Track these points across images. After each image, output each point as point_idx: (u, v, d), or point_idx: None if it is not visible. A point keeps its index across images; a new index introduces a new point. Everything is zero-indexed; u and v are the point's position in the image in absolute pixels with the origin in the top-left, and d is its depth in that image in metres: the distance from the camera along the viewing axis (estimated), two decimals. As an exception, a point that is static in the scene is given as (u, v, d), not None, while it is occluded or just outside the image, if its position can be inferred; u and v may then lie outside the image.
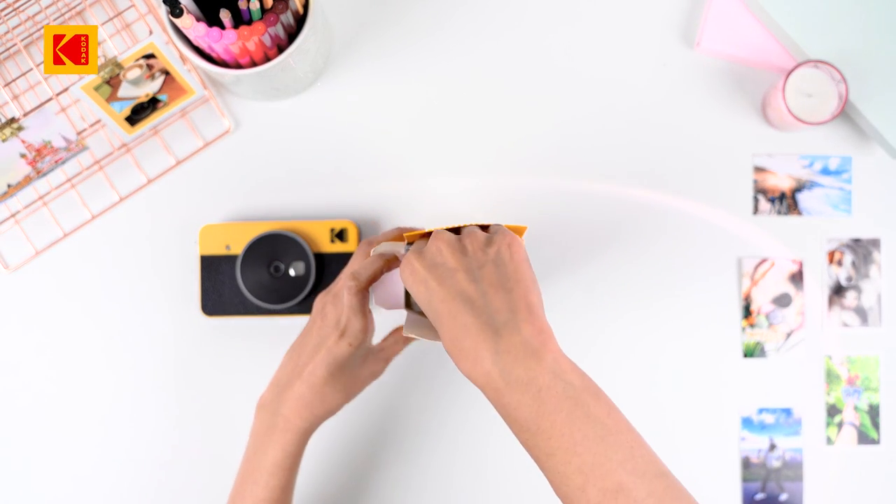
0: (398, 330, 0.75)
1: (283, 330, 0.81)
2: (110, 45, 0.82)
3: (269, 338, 0.82)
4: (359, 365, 0.70)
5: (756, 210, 0.84)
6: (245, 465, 0.70)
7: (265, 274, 0.79)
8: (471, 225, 0.61)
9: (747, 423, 0.82)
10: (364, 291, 0.67)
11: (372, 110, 0.84)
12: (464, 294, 0.54)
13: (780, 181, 0.84)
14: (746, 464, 0.82)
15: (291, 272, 0.79)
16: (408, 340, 0.74)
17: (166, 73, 0.76)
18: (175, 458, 0.82)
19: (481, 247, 0.57)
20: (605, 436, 0.51)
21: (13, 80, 0.82)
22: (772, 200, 0.84)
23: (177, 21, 0.68)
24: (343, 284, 0.67)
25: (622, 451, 0.51)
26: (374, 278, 0.67)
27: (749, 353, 0.83)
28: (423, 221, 0.83)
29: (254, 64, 0.74)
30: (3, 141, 0.74)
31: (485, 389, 0.54)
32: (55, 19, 0.82)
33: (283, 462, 0.68)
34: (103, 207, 0.83)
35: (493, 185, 0.83)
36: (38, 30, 0.82)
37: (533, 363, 0.52)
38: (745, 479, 0.82)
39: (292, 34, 0.75)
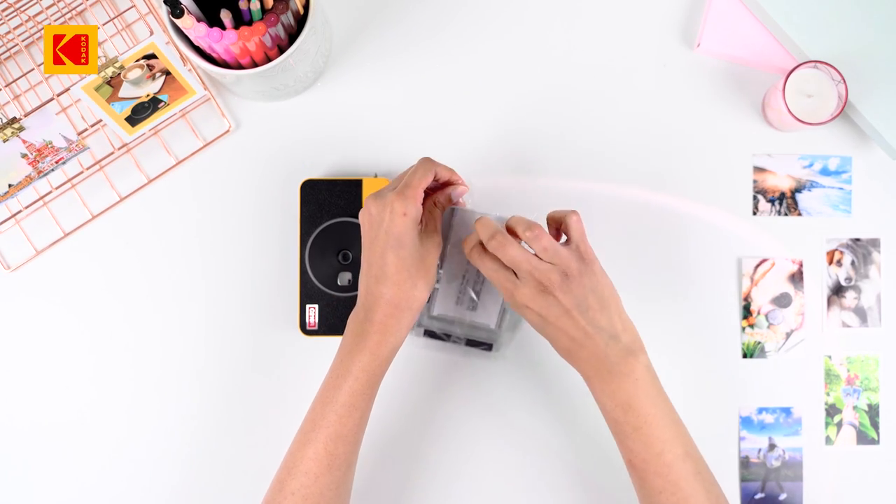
0: (427, 200, 0.75)
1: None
2: (111, 45, 0.83)
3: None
4: (420, 244, 0.71)
5: (756, 210, 0.84)
6: (331, 375, 0.71)
7: (334, 261, 0.80)
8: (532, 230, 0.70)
9: (747, 422, 0.83)
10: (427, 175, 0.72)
11: (372, 110, 0.84)
12: (577, 325, 0.68)
13: (780, 181, 0.84)
14: (746, 463, 0.82)
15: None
16: (437, 203, 0.75)
17: (167, 73, 0.76)
18: (178, 458, 0.83)
19: (578, 277, 0.68)
20: (674, 418, 0.70)
21: (14, 81, 0.82)
22: (771, 200, 0.84)
23: (177, 21, 0.69)
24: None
25: (684, 431, 0.70)
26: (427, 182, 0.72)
27: (749, 352, 0.83)
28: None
29: (254, 64, 0.74)
30: (4, 141, 0.74)
31: (591, 380, 0.70)
32: (56, 19, 0.82)
33: (369, 365, 0.70)
34: (103, 207, 0.83)
35: (494, 186, 0.83)
36: (40, 30, 0.82)
37: (632, 360, 0.68)
38: (744, 479, 0.82)
39: (293, 34, 0.75)
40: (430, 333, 0.80)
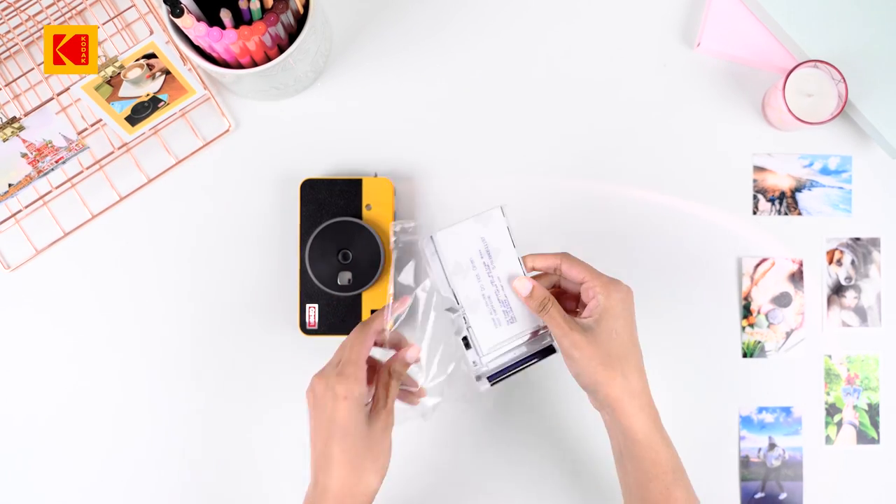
0: (380, 371, 0.69)
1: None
2: (111, 44, 0.83)
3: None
4: (368, 428, 0.65)
5: (756, 209, 0.84)
6: None
7: (334, 261, 0.80)
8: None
9: (747, 422, 0.83)
10: (367, 334, 0.67)
11: (372, 110, 0.84)
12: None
13: (780, 181, 0.84)
14: (746, 463, 0.82)
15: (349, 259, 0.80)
16: (393, 372, 0.69)
17: (167, 72, 0.76)
18: (178, 457, 0.83)
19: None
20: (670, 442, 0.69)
21: (14, 80, 0.82)
22: (771, 200, 0.84)
23: (177, 21, 0.69)
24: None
25: (675, 451, 0.70)
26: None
27: (749, 352, 0.83)
28: (421, 220, 0.83)
29: (254, 63, 0.74)
30: (4, 141, 0.74)
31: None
32: (56, 19, 0.82)
33: None
34: (103, 207, 0.83)
35: (493, 185, 0.83)
36: (40, 30, 0.82)
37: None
38: (744, 479, 0.82)
39: (293, 34, 0.75)
40: (495, 377, 0.71)
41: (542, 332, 0.70)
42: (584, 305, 0.69)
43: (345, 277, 0.80)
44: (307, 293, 0.80)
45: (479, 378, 0.70)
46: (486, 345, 0.70)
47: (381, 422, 0.66)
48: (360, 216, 0.80)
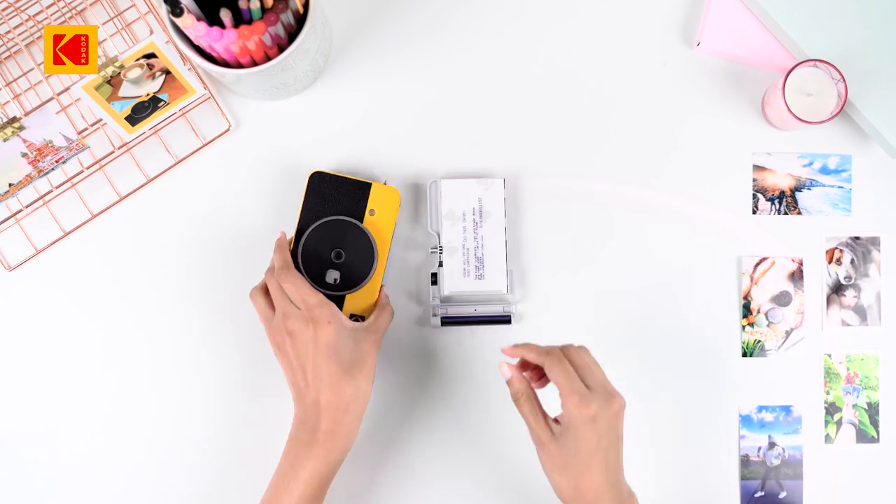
0: (375, 304, 0.79)
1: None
2: (111, 44, 0.83)
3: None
4: (356, 343, 0.72)
5: (756, 209, 0.84)
6: (278, 478, 0.71)
7: (327, 258, 0.79)
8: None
9: (747, 421, 0.83)
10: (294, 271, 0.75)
11: (372, 109, 0.84)
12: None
13: (780, 180, 0.84)
14: (746, 462, 0.82)
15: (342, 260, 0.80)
16: (389, 310, 0.78)
17: (167, 72, 0.76)
18: (175, 457, 0.83)
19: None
20: None
21: (14, 80, 0.82)
22: (771, 199, 0.84)
23: (177, 20, 0.69)
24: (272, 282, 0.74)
25: None
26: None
27: (749, 351, 0.83)
28: (422, 220, 0.83)
29: (254, 63, 0.74)
30: (5, 140, 0.74)
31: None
32: (56, 19, 0.82)
33: (320, 472, 0.71)
34: (103, 206, 0.83)
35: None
36: (40, 29, 0.82)
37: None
38: (744, 478, 0.82)
39: (292, 33, 0.75)
40: (447, 321, 0.81)
41: (503, 301, 0.81)
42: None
43: (332, 276, 0.80)
44: None
45: (434, 315, 0.80)
46: (449, 288, 0.80)
47: (368, 341, 0.73)
48: (361, 219, 0.80)
